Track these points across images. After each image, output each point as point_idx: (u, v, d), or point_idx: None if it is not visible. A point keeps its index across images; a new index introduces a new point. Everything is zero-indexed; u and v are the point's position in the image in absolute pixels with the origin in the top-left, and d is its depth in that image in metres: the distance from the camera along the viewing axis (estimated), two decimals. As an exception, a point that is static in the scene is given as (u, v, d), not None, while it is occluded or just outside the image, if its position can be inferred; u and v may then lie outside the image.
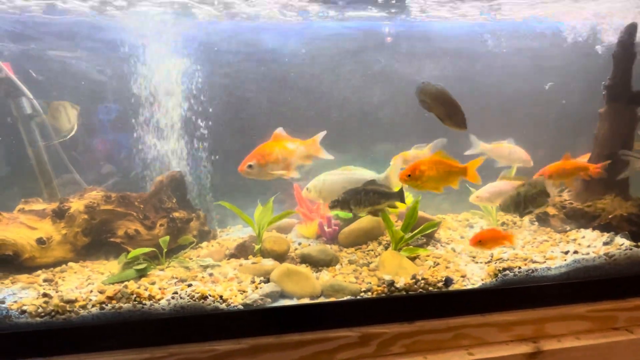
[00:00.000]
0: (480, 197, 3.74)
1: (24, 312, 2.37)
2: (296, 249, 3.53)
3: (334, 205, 3.03)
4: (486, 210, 4.27)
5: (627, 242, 3.12)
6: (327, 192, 3.38)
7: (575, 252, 3.15)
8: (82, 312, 2.40)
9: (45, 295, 2.52)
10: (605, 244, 3.21)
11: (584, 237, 3.47)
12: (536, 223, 3.96)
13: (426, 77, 3.00)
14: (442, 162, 2.97)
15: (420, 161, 2.98)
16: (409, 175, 2.94)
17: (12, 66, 3.75)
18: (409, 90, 2.86)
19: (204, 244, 3.76)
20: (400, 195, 3.07)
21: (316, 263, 3.17)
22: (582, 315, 2.75)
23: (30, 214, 3.31)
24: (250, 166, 3.16)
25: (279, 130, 3.30)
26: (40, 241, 3.14)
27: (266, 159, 3.19)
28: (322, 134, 3.31)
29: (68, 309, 2.40)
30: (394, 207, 3.15)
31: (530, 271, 2.83)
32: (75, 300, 2.45)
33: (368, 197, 3.01)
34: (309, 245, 3.59)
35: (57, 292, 2.64)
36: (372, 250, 3.48)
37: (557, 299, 2.78)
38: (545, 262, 3.02)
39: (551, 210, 3.81)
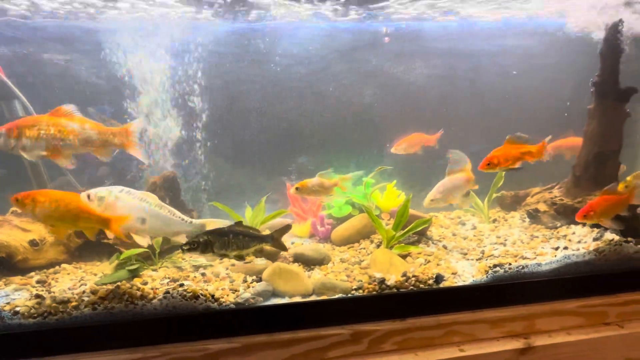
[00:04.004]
0: (435, 200, 3.45)
1: (16, 313, 2.38)
2: (289, 248, 3.54)
3: (191, 247, 2.49)
4: (478, 207, 4.30)
5: (616, 238, 3.14)
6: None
7: (566, 248, 3.18)
8: (75, 312, 2.41)
9: (37, 296, 2.53)
10: (595, 239, 3.24)
11: (574, 233, 3.49)
12: (527, 220, 3.98)
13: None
14: (73, 202, 2.40)
15: (41, 192, 2.42)
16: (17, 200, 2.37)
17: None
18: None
19: (198, 244, 3.77)
20: (273, 238, 2.73)
21: (309, 262, 3.18)
22: (573, 310, 2.77)
23: (24, 216, 3.32)
24: None
25: (68, 107, 2.49)
26: (33, 243, 3.15)
27: (22, 131, 2.37)
28: (138, 122, 2.63)
29: (61, 309, 2.41)
30: (261, 251, 2.97)
31: (521, 267, 2.86)
32: (68, 301, 2.46)
33: (237, 239, 2.60)
34: (302, 244, 3.60)
35: (49, 293, 2.65)
36: (364, 249, 3.50)
37: (548, 295, 2.79)
38: (535, 258, 3.05)
39: (542, 207, 3.83)
